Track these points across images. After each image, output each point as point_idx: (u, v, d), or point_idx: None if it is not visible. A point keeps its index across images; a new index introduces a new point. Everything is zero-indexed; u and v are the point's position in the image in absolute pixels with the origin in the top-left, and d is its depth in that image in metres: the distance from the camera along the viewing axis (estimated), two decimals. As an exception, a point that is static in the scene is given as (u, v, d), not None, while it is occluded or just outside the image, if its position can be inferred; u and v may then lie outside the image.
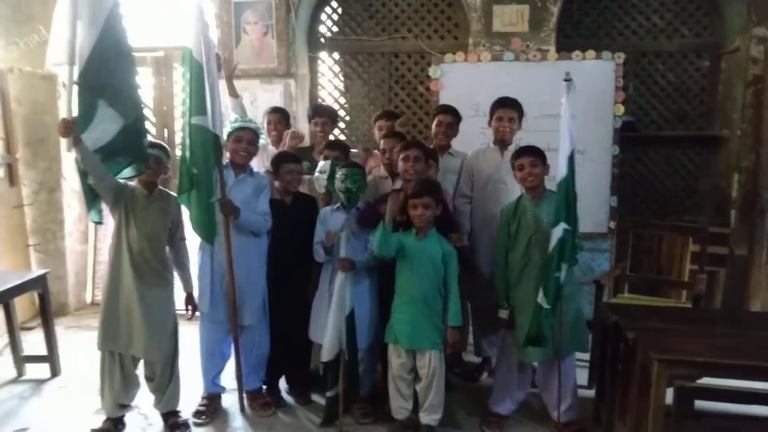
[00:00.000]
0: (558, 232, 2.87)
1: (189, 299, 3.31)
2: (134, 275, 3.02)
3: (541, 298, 2.89)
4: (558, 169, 2.94)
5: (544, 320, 2.88)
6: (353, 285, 3.12)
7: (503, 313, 3.16)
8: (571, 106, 2.97)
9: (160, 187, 3.19)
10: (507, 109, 3.58)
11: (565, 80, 2.98)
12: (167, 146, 3.21)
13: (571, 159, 2.92)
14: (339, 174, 3.23)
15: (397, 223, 3.10)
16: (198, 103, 3.04)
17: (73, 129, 2.77)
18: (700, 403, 2.69)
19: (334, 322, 3.10)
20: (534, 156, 3.11)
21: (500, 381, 3.30)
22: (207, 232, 3.16)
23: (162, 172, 3.14)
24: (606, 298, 3.92)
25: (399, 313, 3.05)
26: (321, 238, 3.22)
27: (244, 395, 3.43)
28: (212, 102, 3.11)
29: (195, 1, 3.07)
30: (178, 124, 4.91)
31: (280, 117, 4.14)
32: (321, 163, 3.45)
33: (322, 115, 4.08)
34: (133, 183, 3.13)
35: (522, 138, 3.77)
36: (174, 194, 3.18)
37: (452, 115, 3.80)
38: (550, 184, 3.16)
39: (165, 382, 3.20)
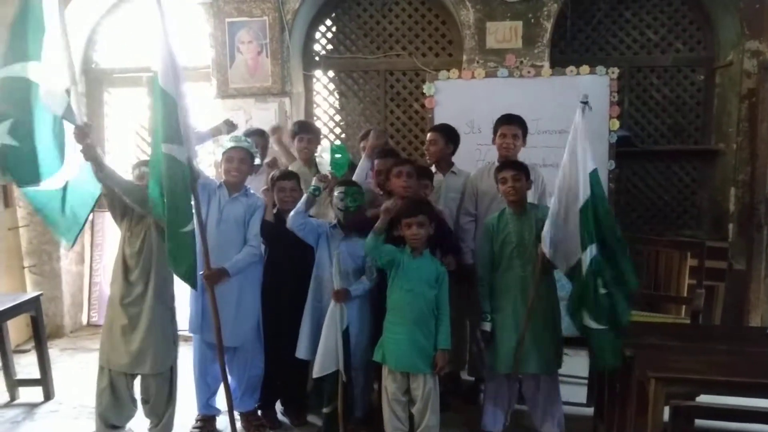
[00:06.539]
0: (588, 254, 2.78)
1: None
2: (131, 290, 3.00)
3: (587, 321, 2.83)
4: (580, 192, 2.82)
5: (606, 341, 2.82)
6: (348, 305, 3.08)
7: (486, 326, 3.18)
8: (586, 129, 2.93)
9: None
10: (511, 125, 3.55)
11: (582, 102, 2.94)
12: None
13: (594, 177, 2.83)
14: (337, 192, 3.20)
15: (392, 240, 3.08)
16: (168, 131, 2.72)
17: (88, 135, 2.75)
18: (698, 422, 2.65)
19: (326, 339, 3.05)
20: (516, 170, 3.12)
21: (491, 396, 3.29)
22: (185, 271, 2.79)
23: None
24: (604, 314, 3.88)
25: (390, 333, 3.00)
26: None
27: (240, 417, 3.37)
28: (184, 129, 2.79)
29: (160, 25, 2.74)
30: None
31: (259, 139, 4.02)
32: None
33: (308, 132, 4.01)
34: None
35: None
36: None
37: (438, 132, 3.78)
38: (533, 197, 3.25)
39: (162, 405, 3.12)
